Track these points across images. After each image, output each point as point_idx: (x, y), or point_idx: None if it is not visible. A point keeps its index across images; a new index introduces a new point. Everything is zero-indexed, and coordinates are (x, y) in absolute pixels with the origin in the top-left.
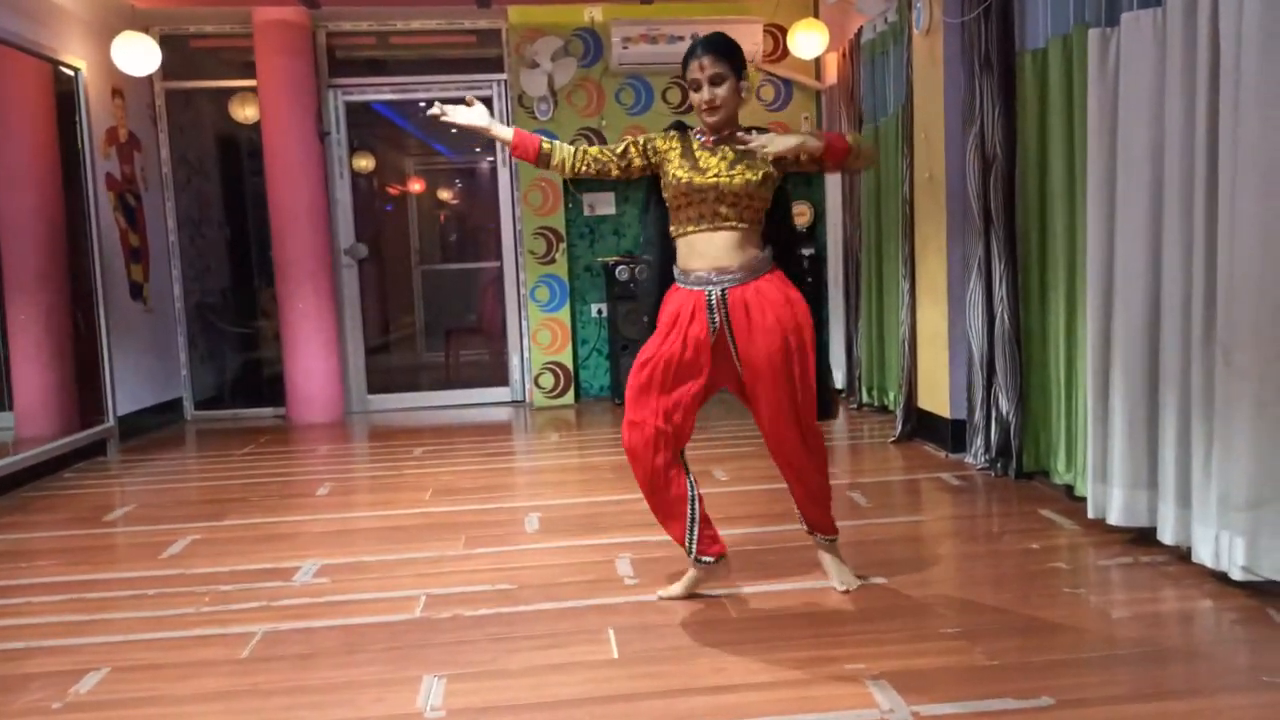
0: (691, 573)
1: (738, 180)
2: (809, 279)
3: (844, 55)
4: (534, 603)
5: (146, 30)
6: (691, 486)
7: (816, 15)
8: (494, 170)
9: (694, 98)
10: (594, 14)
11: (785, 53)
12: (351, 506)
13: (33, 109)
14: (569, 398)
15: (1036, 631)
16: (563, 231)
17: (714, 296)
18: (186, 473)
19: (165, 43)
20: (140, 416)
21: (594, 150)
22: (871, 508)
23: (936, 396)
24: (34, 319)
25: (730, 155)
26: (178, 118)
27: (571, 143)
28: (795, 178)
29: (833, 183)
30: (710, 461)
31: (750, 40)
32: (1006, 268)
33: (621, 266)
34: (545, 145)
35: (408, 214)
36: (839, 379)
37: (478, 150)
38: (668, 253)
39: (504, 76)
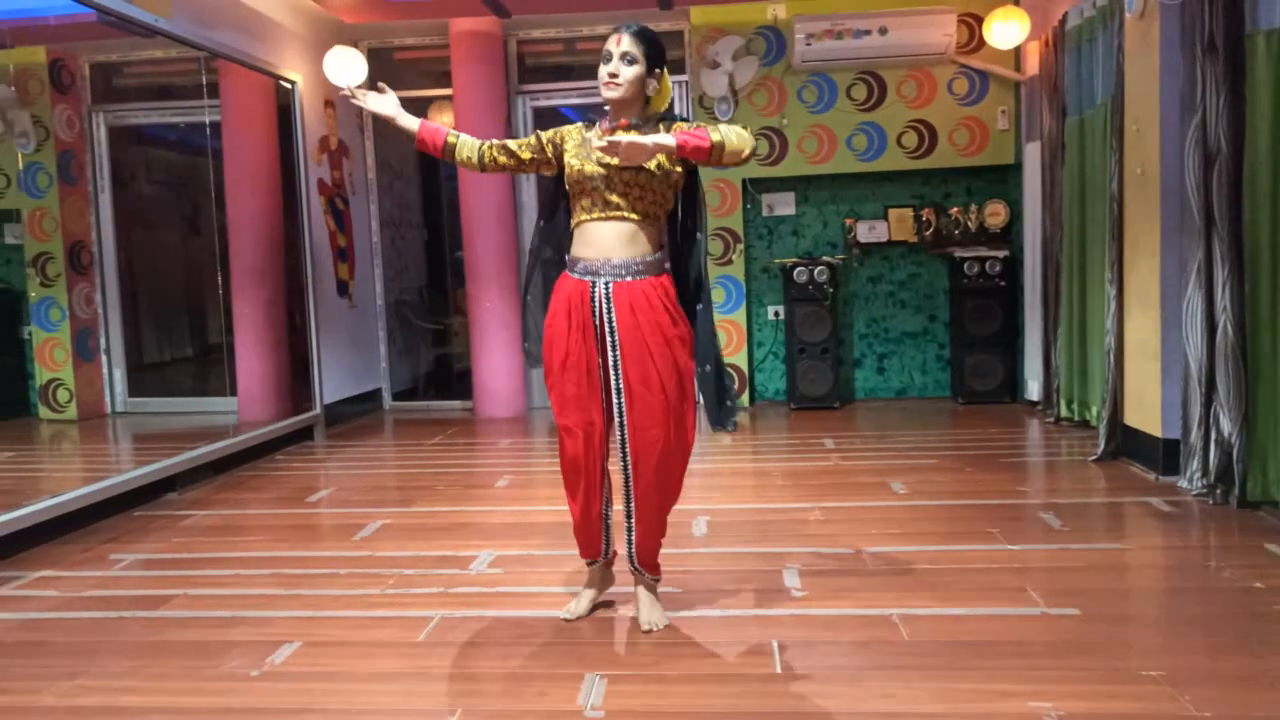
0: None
1: (626, 168)
2: (697, 303)
3: (1046, 44)
4: (697, 609)
5: (355, 44)
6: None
7: (1016, 2)
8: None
9: (600, 70)
10: (777, 11)
11: (981, 43)
12: (528, 500)
13: (257, 120)
14: (743, 400)
15: (1258, 683)
16: (740, 232)
17: (598, 288)
18: (381, 460)
19: (372, 55)
20: (343, 405)
21: (503, 143)
22: (1066, 531)
23: (1146, 413)
24: (254, 312)
25: (624, 138)
26: (381, 126)
27: (501, 141)
28: (989, 174)
29: (1031, 180)
30: (889, 473)
31: (943, 31)
32: (1231, 274)
33: (800, 269)
34: (451, 139)
35: None
36: (1034, 390)
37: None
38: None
39: (684, 78)
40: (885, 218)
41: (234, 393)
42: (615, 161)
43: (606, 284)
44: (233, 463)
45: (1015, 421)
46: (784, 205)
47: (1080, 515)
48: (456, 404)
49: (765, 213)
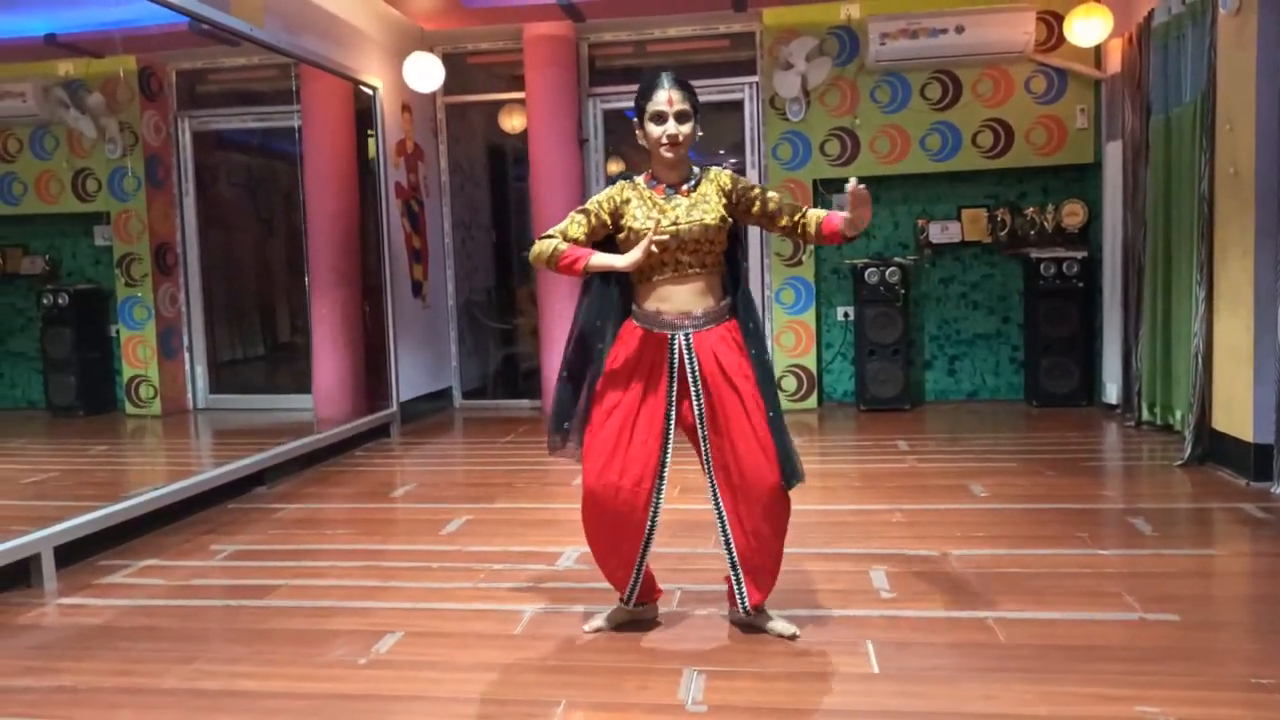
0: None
1: (695, 227)
2: (750, 324)
3: (1130, 41)
4: (786, 608)
5: (431, 50)
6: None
7: None
8: (741, 171)
9: (654, 131)
10: (850, 11)
11: (1060, 40)
12: None
13: (336, 124)
14: (811, 401)
15: None
16: None
17: (678, 340)
18: (458, 457)
19: (446, 61)
20: (416, 403)
21: (571, 230)
22: (1156, 536)
23: (1236, 418)
24: (331, 312)
25: (683, 201)
26: (454, 129)
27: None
28: (1067, 174)
29: (1111, 180)
30: (967, 475)
31: (1021, 29)
32: None
33: (871, 269)
34: (563, 247)
35: None
36: (1113, 393)
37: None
38: (619, 301)
39: (756, 79)
40: (958, 218)
41: (311, 390)
42: (677, 229)
43: (687, 335)
44: (315, 458)
45: (1093, 425)
46: None
47: (1170, 520)
48: (525, 403)
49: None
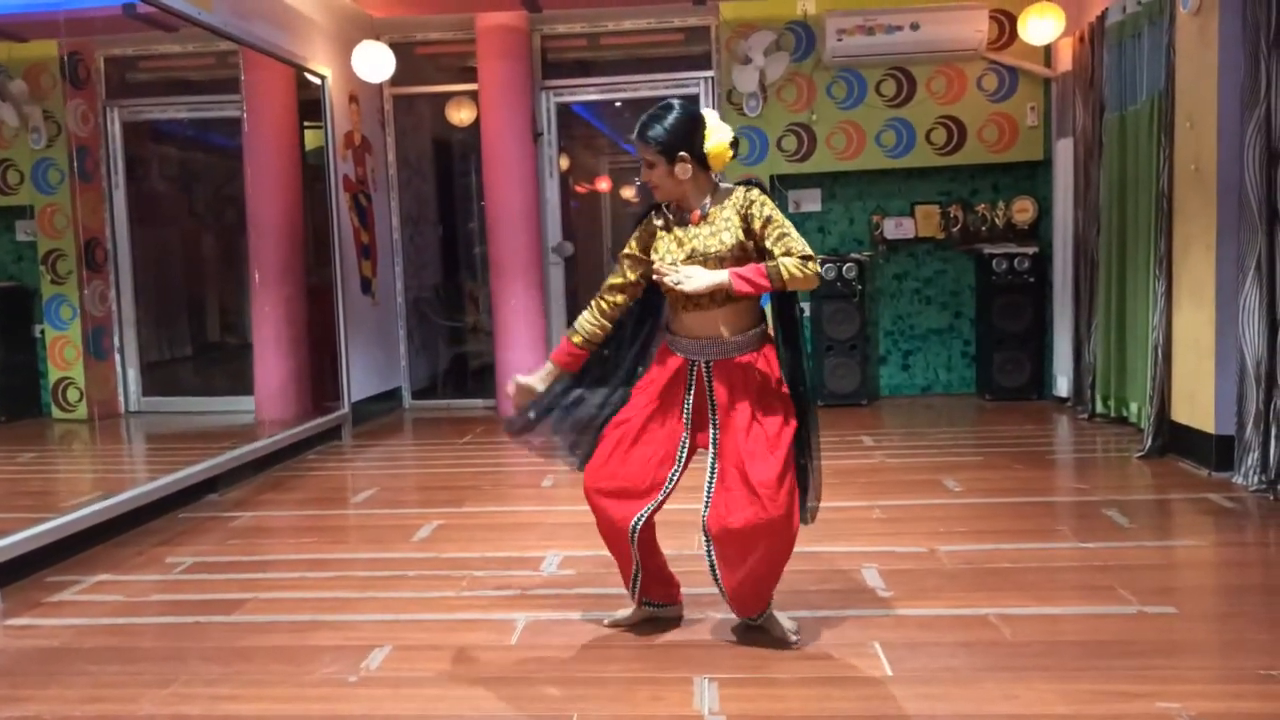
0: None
1: (725, 245)
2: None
3: (1081, 40)
4: (789, 610)
5: (378, 38)
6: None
7: None
8: None
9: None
10: (807, 6)
11: (1011, 39)
12: (579, 500)
13: (280, 114)
14: None
15: None
16: None
17: (698, 366)
18: (415, 459)
19: (394, 50)
20: (365, 404)
21: (609, 288)
22: (1134, 528)
23: (1197, 410)
24: (275, 310)
25: (701, 231)
26: (401, 122)
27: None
28: (1017, 171)
29: (1062, 177)
30: (938, 470)
31: (974, 27)
32: None
33: (829, 265)
34: (575, 339)
35: (600, 212)
36: (1063, 386)
37: None
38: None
39: (711, 74)
40: (912, 214)
41: (251, 392)
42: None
43: (708, 363)
44: (266, 463)
45: (1047, 418)
46: (810, 201)
47: (1144, 512)
48: (477, 402)
49: (792, 209)
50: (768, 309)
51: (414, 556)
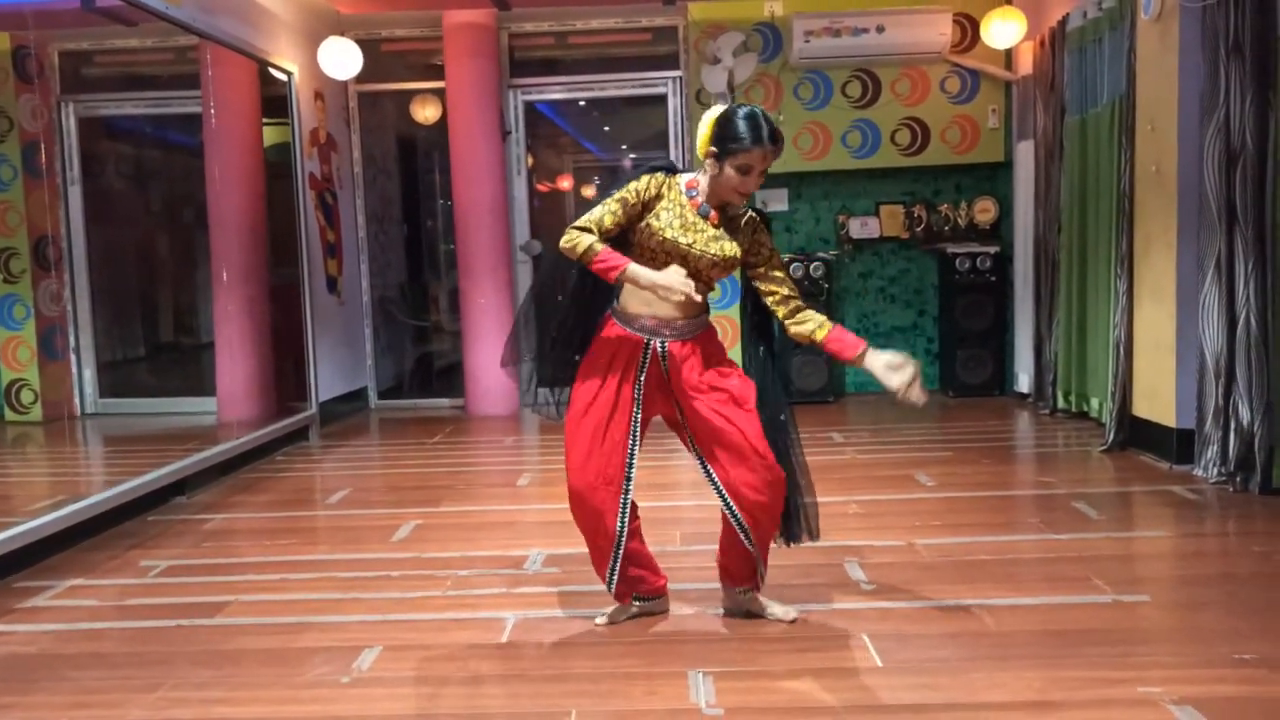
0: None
1: (725, 254)
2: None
3: (1041, 44)
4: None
5: (343, 35)
6: (621, 529)
7: (1009, 2)
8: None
9: (736, 179)
10: (774, 8)
11: (974, 42)
12: (556, 498)
13: (241, 111)
14: None
15: None
16: None
17: (653, 345)
18: (386, 459)
19: (359, 47)
20: (331, 404)
21: (606, 221)
22: (1103, 520)
23: (1158, 404)
24: (236, 309)
25: (716, 227)
26: (365, 119)
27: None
28: (979, 172)
29: (1023, 178)
30: (910, 466)
31: (938, 30)
32: (1255, 269)
33: (796, 264)
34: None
35: (564, 210)
36: (1024, 383)
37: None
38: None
39: (679, 73)
40: (877, 214)
41: (212, 393)
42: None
43: (663, 342)
44: (233, 465)
45: (1009, 414)
46: (777, 201)
47: (1112, 504)
48: (444, 401)
49: (758, 208)
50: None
51: (395, 557)
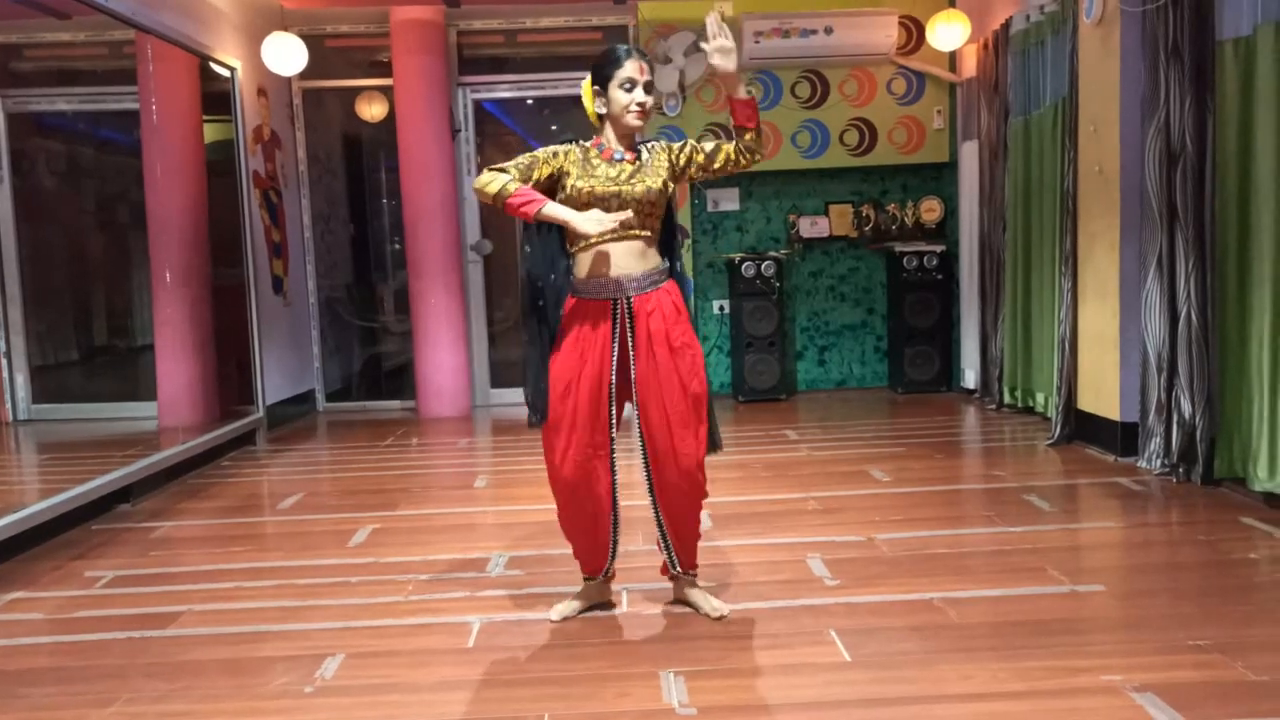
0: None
1: (639, 188)
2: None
3: (985, 47)
4: (741, 601)
5: (286, 30)
6: (616, 492)
7: (953, 5)
8: None
9: (623, 98)
10: (724, 8)
11: (919, 44)
12: (514, 499)
13: (181, 107)
14: None
15: None
16: (689, 227)
17: (620, 305)
18: (338, 463)
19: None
20: (278, 407)
21: (524, 163)
22: (1054, 512)
23: (1103, 399)
24: (177, 311)
25: (628, 167)
26: (310, 117)
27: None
28: (924, 172)
29: (968, 178)
30: (864, 461)
31: (884, 32)
32: (1195, 266)
33: (749, 263)
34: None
35: None
36: (970, 379)
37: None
38: (561, 249)
39: None
40: (826, 213)
41: (153, 397)
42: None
43: (629, 299)
44: (179, 471)
45: (957, 409)
46: (729, 201)
47: (1061, 497)
48: (395, 404)
49: (710, 208)
50: None
51: (353, 562)
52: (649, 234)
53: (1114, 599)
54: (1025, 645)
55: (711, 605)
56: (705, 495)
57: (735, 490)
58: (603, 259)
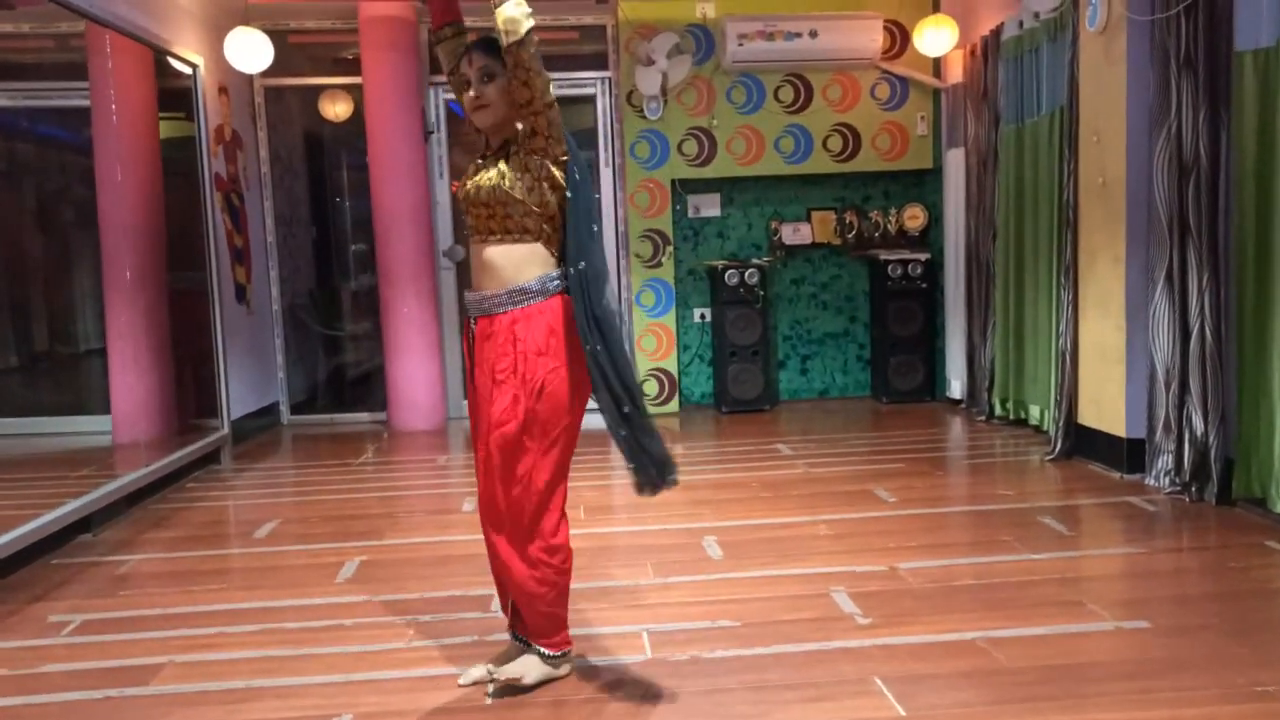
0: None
1: (485, 185)
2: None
3: (973, 53)
4: (770, 644)
5: (249, 25)
6: None
7: (936, 10)
8: (597, 169)
9: (466, 98)
10: (706, 9)
11: (903, 49)
12: None
13: (135, 105)
14: (673, 405)
15: None
16: (670, 234)
17: (473, 326)
18: (313, 484)
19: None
20: (243, 421)
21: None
22: (1074, 536)
23: (1105, 414)
24: (133, 319)
25: (492, 163)
26: (271, 116)
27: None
28: (907, 179)
29: (953, 185)
30: (865, 480)
31: (869, 36)
32: (1209, 281)
33: (732, 271)
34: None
35: None
36: (956, 389)
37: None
38: None
39: (608, 74)
40: (809, 220)
41: (106, 411)
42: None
43: (474, 322)
44: (141, 494)
45: (944, 420)
46: (710, 207)
47: (1076, 518)
48: (363, 415)
49: (691, 214)
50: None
51: (344, 601)
52: (504, 238)
53: (1161, 637)
54: (1086, 694)
55: (514, 670)
56: (546, 581)
57: (740, 514)
58: (471, 274)
